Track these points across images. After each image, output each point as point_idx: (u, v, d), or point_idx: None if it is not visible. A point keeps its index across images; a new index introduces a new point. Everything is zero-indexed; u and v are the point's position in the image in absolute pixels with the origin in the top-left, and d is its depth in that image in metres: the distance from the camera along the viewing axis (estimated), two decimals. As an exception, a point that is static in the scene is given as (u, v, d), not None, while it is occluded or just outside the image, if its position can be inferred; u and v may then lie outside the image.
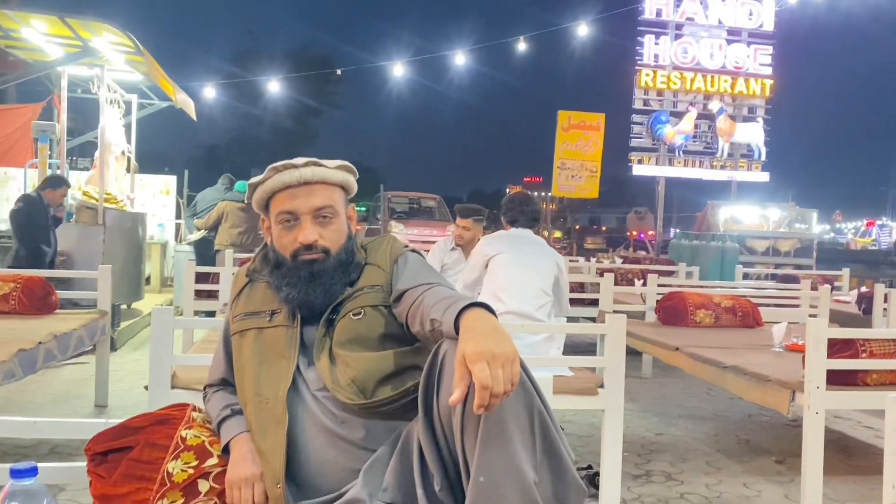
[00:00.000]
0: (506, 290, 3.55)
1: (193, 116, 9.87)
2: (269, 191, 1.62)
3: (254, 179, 1.65)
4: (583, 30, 14.63)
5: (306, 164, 1.61)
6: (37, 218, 6.00)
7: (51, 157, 8.06)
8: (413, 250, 1.72)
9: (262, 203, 1.66)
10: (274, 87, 15.36)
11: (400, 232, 14.67)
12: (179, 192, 11.75)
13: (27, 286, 4.56)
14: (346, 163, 1.68)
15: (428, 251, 10.96)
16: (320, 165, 1.63)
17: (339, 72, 16.29)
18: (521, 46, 14.32)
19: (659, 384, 5.92)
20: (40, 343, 3.60)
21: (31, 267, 5.19)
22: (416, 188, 18.80)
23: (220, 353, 1.73)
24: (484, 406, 1.11)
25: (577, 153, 16.50)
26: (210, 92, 13.98)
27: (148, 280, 9.87)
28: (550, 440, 1.20)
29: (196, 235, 8.72)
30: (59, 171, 8.15)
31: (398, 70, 13.79)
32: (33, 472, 1.10)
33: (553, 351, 3.54)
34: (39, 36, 7.27)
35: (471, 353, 1.13)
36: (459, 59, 13.54)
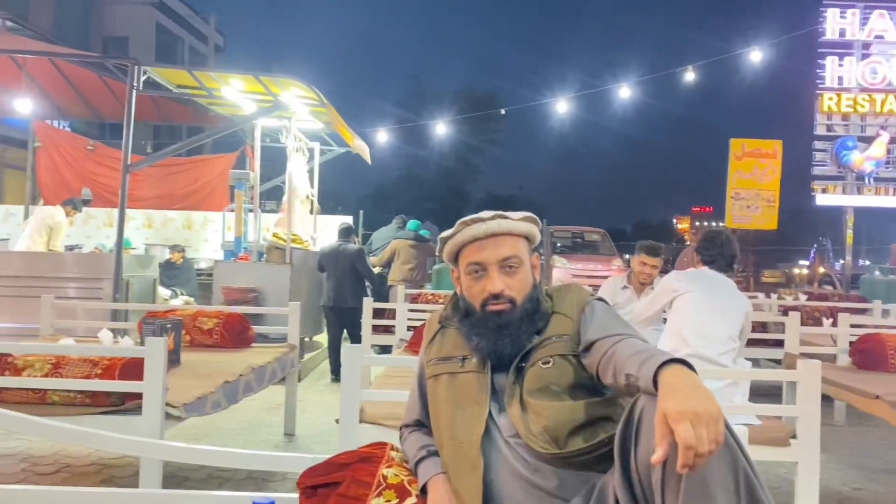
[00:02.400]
0: (691, 332, 3.45)
1: (368, 160, 10.45)
2: (459, 244, 1.71)
3: (444, 233, 1.75)
4: (756, 55, 13.97)
5: (493, 218, 1.69)
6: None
7: (245, 203, 8.84)
8: (599, 298, 1.74)
9: (452, 255, 1.75)
10: (439, 129, 15.93)
11: (563, 266, 14.58)
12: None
13: (228, 322, 5.00)
14: (530, 214, 1.75)
15: (592, 286, 10.80)
16: (506, 218, 1.70)
17: (502, 111, 16.54)
18: (690, 76, 13.91)
19: (854, 433, 5.44)
20: (241, 375, 3.94)
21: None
22: (578, 221, 18.65)
23: (415, 394, 1.83)
24: (688, 466, 1.10)
25: (752, 182, 15.70)
26: (381, 136, 14.75)
27: (326, 314, 10.45)
28: (756, 499, 1.17)
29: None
30: (251, 214, 8.91)
31: (560, 106, 13.85)
32: (270, 505, 1.23)
33: (737, 398, 3.38)
34: (236, 93, 8.06)
35: (673, 412, 1.13)
36: (624, 92, 13.37)
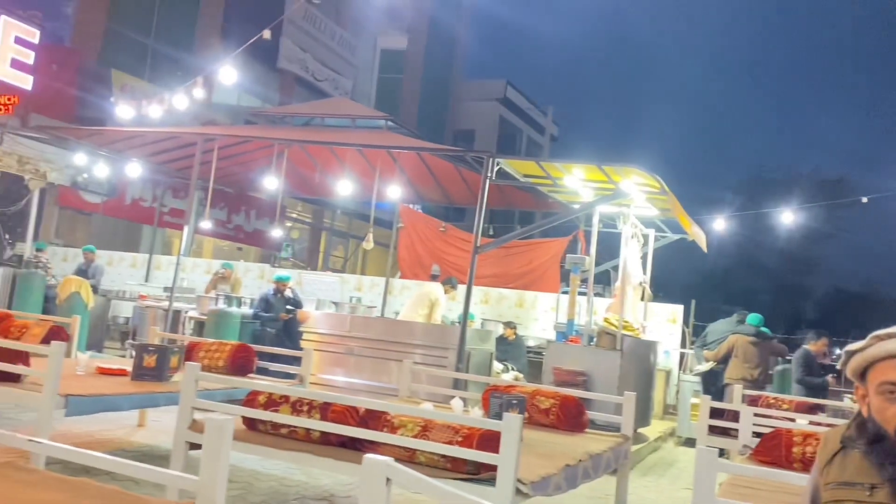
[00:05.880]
0: None
1: (704, 248, 10.10)
2: (870, 359, 1.56)
3: (852, 346, 1.62)
4: None
5: None
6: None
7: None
8: None
9: (859, 371, 1.60)
10: (783, 217, 14.79)
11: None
12: (685, 322, 11.95)
13: (564, 404, 5.09)
14: None
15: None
16: None
17: (864, 199, 14.77)
18: None
19: None
20: (580, 461, 3.97)
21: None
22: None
23: None
24: None
25: None
26: (719, 224, 14.13)
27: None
28: None
29: (704, 366, 8.71)
30: (583, 298, 9.07)
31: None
32: None
33: None
34: (577, 181, 8.41)
35: None
36: None
